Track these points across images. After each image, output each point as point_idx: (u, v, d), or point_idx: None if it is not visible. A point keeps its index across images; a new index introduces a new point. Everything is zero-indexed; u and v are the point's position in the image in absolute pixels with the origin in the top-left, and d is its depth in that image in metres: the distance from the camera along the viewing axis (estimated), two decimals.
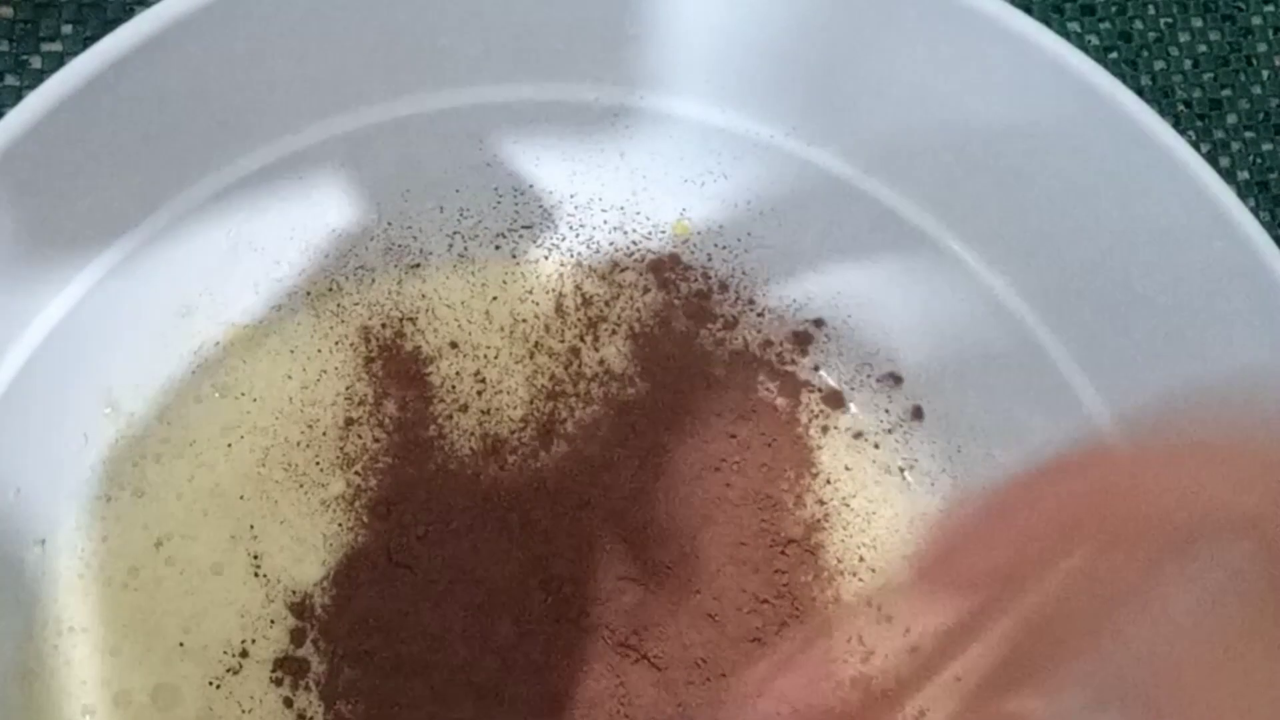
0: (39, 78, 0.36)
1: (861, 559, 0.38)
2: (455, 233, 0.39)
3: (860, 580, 0.38)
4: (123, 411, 0.37)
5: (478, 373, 0.38)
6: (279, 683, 0.35)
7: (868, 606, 0.37)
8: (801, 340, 0.39)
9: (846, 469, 0.38)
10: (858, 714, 0.36)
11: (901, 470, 0.39)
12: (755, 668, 0.36)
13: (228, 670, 0.35)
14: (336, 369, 0.38)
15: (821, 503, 0.38)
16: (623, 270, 0.39)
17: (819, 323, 0.39)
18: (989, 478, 0.38)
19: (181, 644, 0.35)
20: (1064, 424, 0.38)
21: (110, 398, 0.37)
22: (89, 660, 0.35)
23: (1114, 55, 0.42)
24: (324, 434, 0.37)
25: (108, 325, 0.37)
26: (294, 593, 0.36)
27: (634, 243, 0.39)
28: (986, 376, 0.38)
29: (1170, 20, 0.42)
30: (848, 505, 0.38)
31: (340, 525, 0.37)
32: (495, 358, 0.38)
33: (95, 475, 0.36)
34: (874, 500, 0.38)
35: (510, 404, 0.38)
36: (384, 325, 0.38)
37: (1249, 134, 0.42)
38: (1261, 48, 0.42)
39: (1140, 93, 0.41)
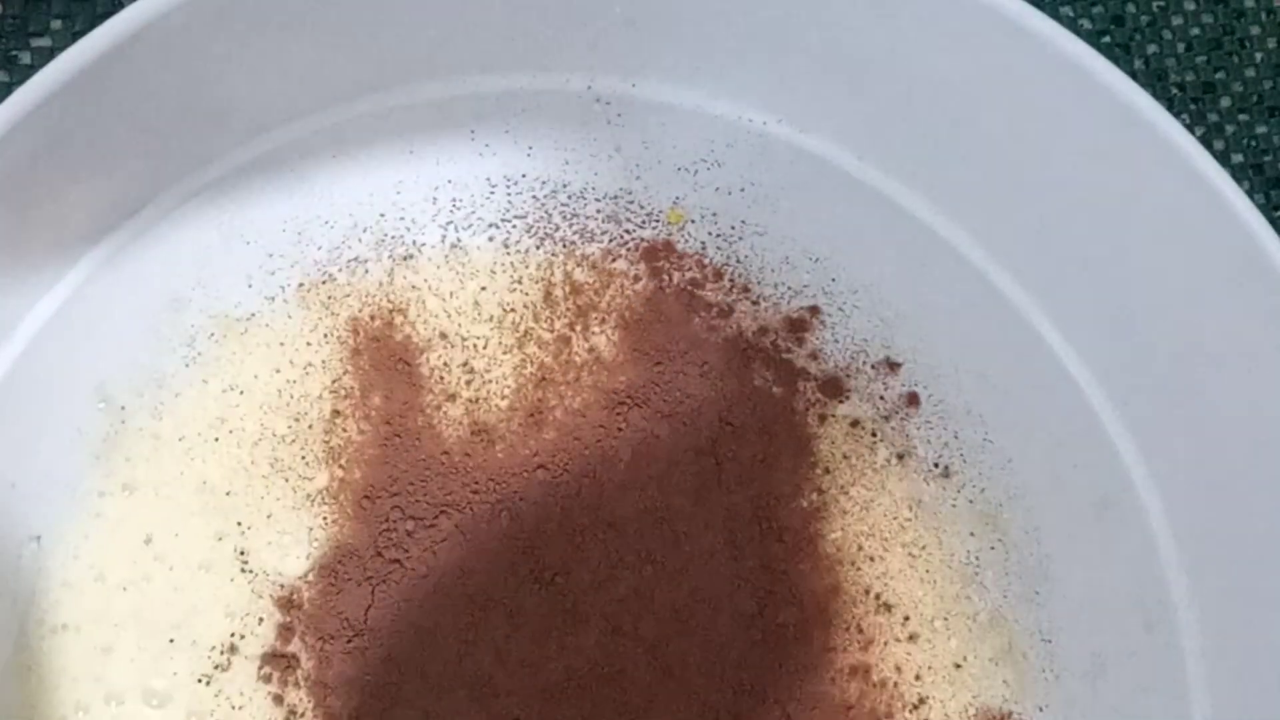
0: (28, 73, 0.36)
1: (860, 547, 0.38)
2: (448, 223, 0.39)
3: (858, 569, 0.37)
4: (115, 405, 0.37)
5: (466, 363, 0.38)
6: (268, 679, 0.35)
7: (866, 595, 0.37)
8: (797, 328, 0.39)
9: (844, 457, 0.38)
10: (856, 703, 0.36)
11: (900, 457, 0.38)
12: (753, 656, 0.36)
13: (216, 667, 0.35)
14: (324, 361, 0.38)
15: (819, 491, 0.38)
16: (615, 259, 0.39)
17: (814, 310, 0.39)
18: (986, 463, 0.38)
19: (172, 640, 0.35)
20: (1061, 407, 0.37)
21: (103, 392, 0.37)
22: (81, 658, 0.35)
23: (1107, 39, 0.42)
24: (310, 427, 0.37)
25: (101, 319, 0.37)
26: (281, 588, 0.36)
27: (627, 231, 0.39)
28: (982, 361, 0.38)
29: (1163, 3, 0.42)
30: (846, 493, 0.38)
31: (326, 519, 0.36)
32: (484, 347, 0.38)
33: (88, 470, 0.36)
34: (872, 488, 0.38)
35: (498, 393, 0.38)
36: (373, 317, 0.38)
37: (1243, 117, 0.42)
38: (1254, 30, 0.42)
39: (1134, 76, 0.41)
